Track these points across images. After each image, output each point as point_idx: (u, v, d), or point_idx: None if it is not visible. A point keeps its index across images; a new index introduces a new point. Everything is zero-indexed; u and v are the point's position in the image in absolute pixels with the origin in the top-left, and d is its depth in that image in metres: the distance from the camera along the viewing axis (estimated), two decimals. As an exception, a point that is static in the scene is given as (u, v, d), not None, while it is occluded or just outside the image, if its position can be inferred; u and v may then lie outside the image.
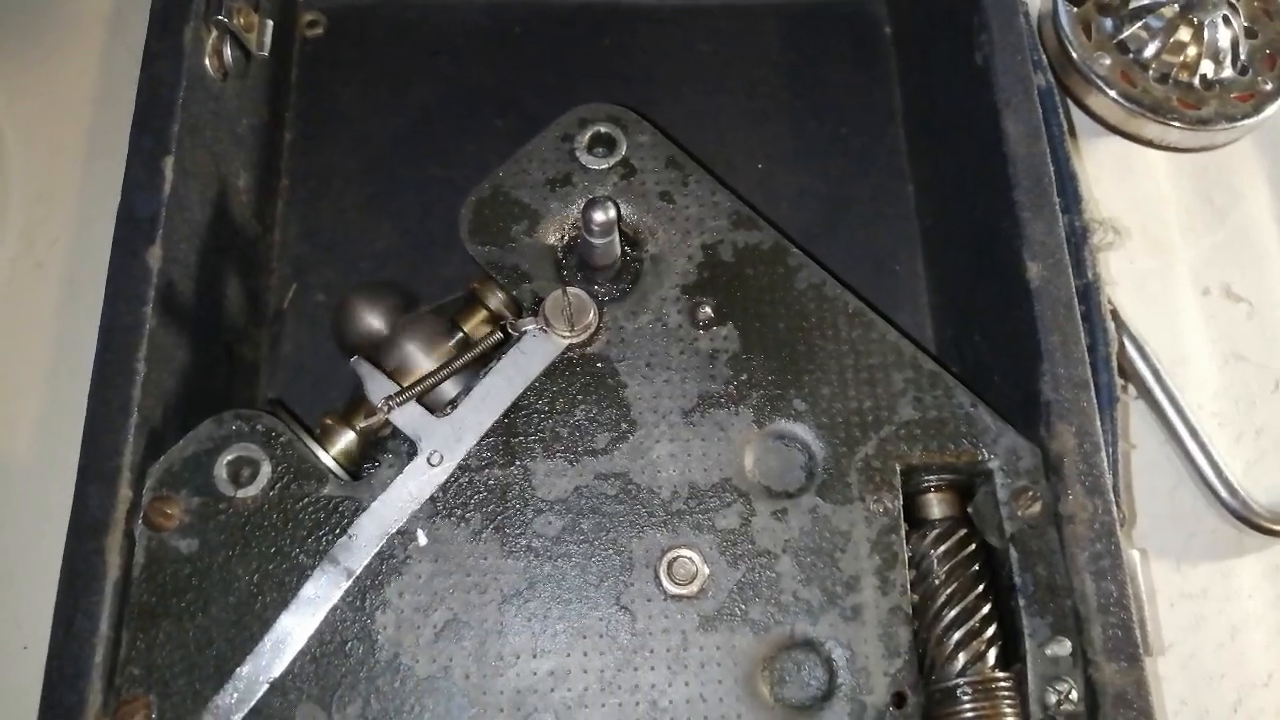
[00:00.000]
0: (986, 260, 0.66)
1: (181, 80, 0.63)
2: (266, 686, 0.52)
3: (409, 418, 0.57)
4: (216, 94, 0.67)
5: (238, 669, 0.52)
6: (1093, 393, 0.57)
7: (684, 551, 0.55)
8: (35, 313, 0.75)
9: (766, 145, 0.81)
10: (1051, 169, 0.62)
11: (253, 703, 0.52)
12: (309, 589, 0.54)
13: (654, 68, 0.83)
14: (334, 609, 0.54)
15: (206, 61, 0.66)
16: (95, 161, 0.78)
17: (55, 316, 0.75)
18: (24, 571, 0.68)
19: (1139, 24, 0.78)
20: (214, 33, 0.67)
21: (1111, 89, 0.77)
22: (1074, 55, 0.77)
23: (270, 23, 0.72)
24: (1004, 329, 0.63)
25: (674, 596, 0.54)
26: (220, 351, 0.67)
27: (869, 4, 0.85)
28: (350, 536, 0.55)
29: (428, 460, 0.56)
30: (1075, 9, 0.79)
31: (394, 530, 0.55)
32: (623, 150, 0.63)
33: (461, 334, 0.64)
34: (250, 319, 0.72)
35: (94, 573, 0.53)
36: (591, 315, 0.58)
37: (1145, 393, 0.72)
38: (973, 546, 0.57)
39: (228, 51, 0.68)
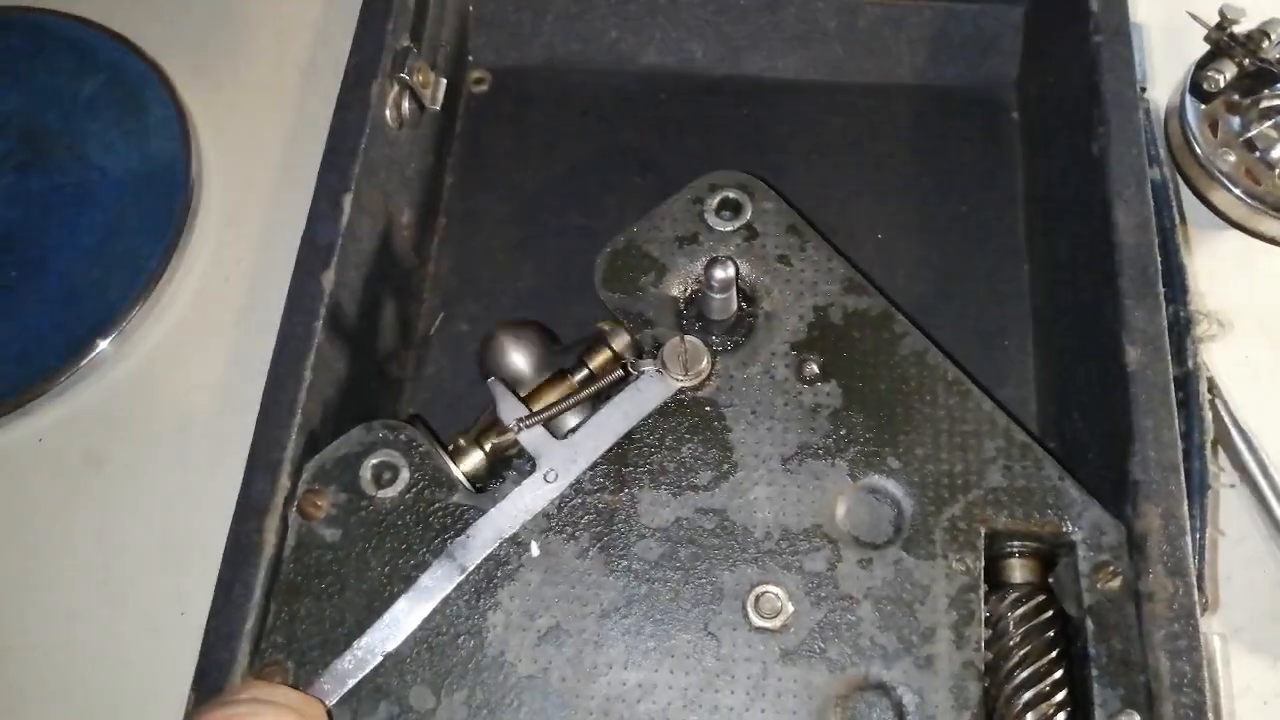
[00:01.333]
0: (1090, 343, 0.68)
1: (365, 128, 0.72)
2: (381, 659, 0.58)
3: (533, 438, 0.63)
4: (392, 141, 0.76)
5: (358, 641, 0.59)
6: (1182, 477, 0.59)
7: (771, 588, 0.59)
8: (218, 320, 0.85)
9: (889, 218, 0.85)
10: (1159, 259, 0.64)
11: (366, 671, 0.58)
12: (426, 579, 0.60)
13: (788, 139, 0.88)
14: (450, 602, 0.60)
15: (387, 113, 0.75)
16: (282, 194, 0.88)
17: (235, 325, 0.85)
18: (191, 547, 0.77)
19: (1269, 123, 0.79)
20: (396, 88, 0.76)
21: (1235, 185, 0.78)
22: (1198, 150, 0.79)
23: (444, 80, 0.81)
24: (1101, 410, 0.66)
25: (758, 628, 0.58)
26: (373, 367, 0.75)
27: (999, 91, 0.89)
28: (468, 536, 0.61)
29: (544, 477, 0.62)
30: (1204, 106, 0.81)
31: (507, 536, 0.61)
32: (748, 215, 0.69)
33: (587, 370, 0.70)
34: (401, 341, 0.80)
35: (253, 549, 0.61)
36: (705, 362, 0.64)
37: (1252, 485, 0.72)
38: (1050, 613, 0.59)
39: (405, 104, 0.77)
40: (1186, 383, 0.64)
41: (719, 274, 0.61)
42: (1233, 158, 0.79)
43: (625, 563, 0.60)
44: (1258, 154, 0.79)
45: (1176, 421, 0.60)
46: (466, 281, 0.85)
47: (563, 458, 0.63)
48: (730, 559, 0.60)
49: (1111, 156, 0.68)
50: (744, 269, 0.67)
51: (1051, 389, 0.75)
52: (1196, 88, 0.80)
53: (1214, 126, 0.80)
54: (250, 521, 0.61)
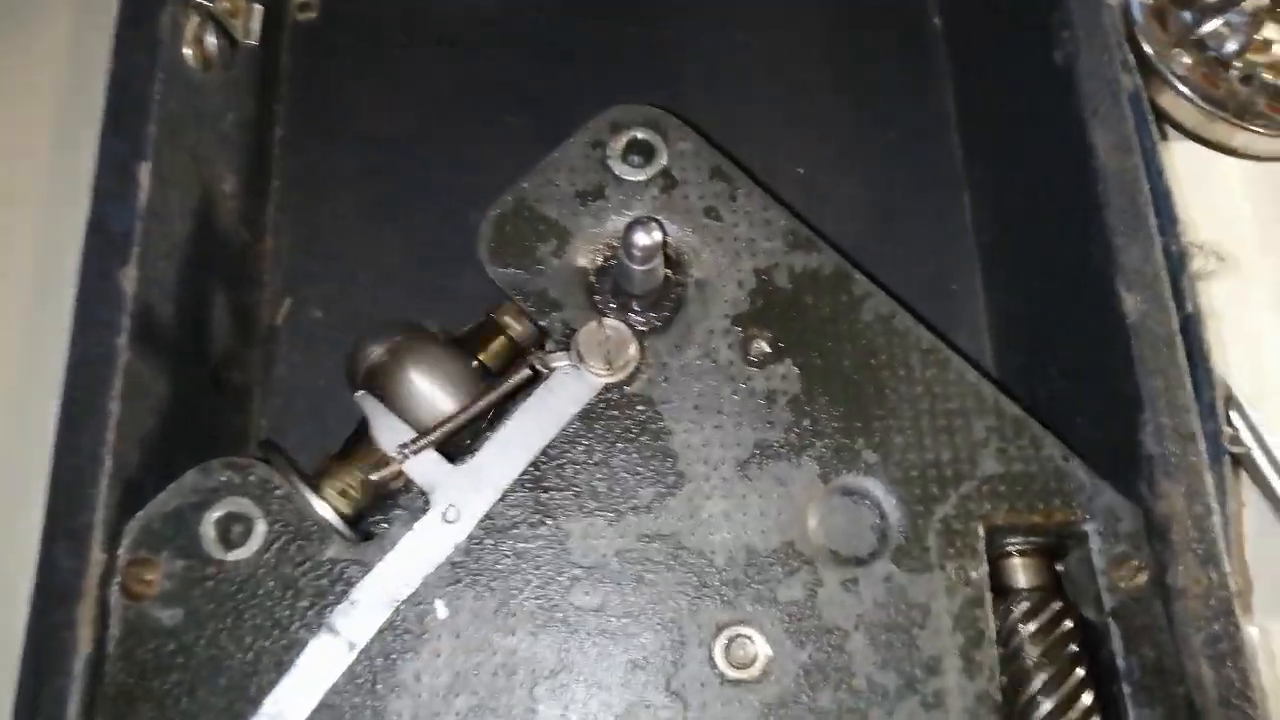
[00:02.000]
0: (1068, 287, 0.59)
1: (157, 73, 0.55)
2: (262, 788, 0.45)
3: (423, 467, 0.50)
4: (198, 87, 0.60)
5: (228, 771, 0.45)
6: (1202, 446, 0.51)
7: (742, 629, 0.48)
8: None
9: (807, 149, 0.73)
10: (1146, 186, 0.55)
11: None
12: (305, 663, 0.47)
13: (684, 62, 0.75)
14: (339, 691, 0.47)
15: (186, 51, 0.58)
16: (63, 161, 0.70)
17: (16, 347, 0.67)
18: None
19: (1220, 19, 0.71)
20: (194, 18, 0.59)
21: (1191, 90, 0.70)
22: (1148, 51, 0.70)
23: (259, 6, 0.64)
24: (1091, 367, 0.56)
25: (732, 681, 0.47)
26: (206, 379, 0.60)
27: (917, -7, 0.77)
28: (353, 602, 0.48)
29: (443, 516, 0.49)
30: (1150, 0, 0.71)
31: (404, 597, 0.48)
32: (663, 159, 0.56)
33: (478, 364, 0.57)
34: (239, 340, 0.65)
35: (62, 649, 0.46)
36: (632, 350, 0.51)
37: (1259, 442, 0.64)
38: (1068, 622, 0.50)
39: (210, 39, 0.60)
40: (1188, 330, 0.55)
41: (642, 240, 0.49)
42: (1187, 59, 0.70)
43: (559, 615, 0.48)
44: (1211, 52, 0.71)
45: (1188, 380, 0.52)
46: (314, 257, 0.69)
47: (463, 488, 0.50)
48: (689, 596, 0.49)
49: (1081, 67, 0.57)
50: (665, 227, 0.54)
51: (1015, 341, 0.66)
52: (1142, -21, 0.71)
53: (1163, 22, 0.71)
54: (54, 613, 0.46)
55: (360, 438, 0.55)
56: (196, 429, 0.58)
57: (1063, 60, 0.59)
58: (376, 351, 0.54)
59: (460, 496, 0.49)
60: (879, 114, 0.74)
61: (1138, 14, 0.71)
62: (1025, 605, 0.50)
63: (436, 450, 0.50)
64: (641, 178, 0.55)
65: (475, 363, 0.57)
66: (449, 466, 0.50)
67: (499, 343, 0.57)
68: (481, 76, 0.74)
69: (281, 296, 0.69)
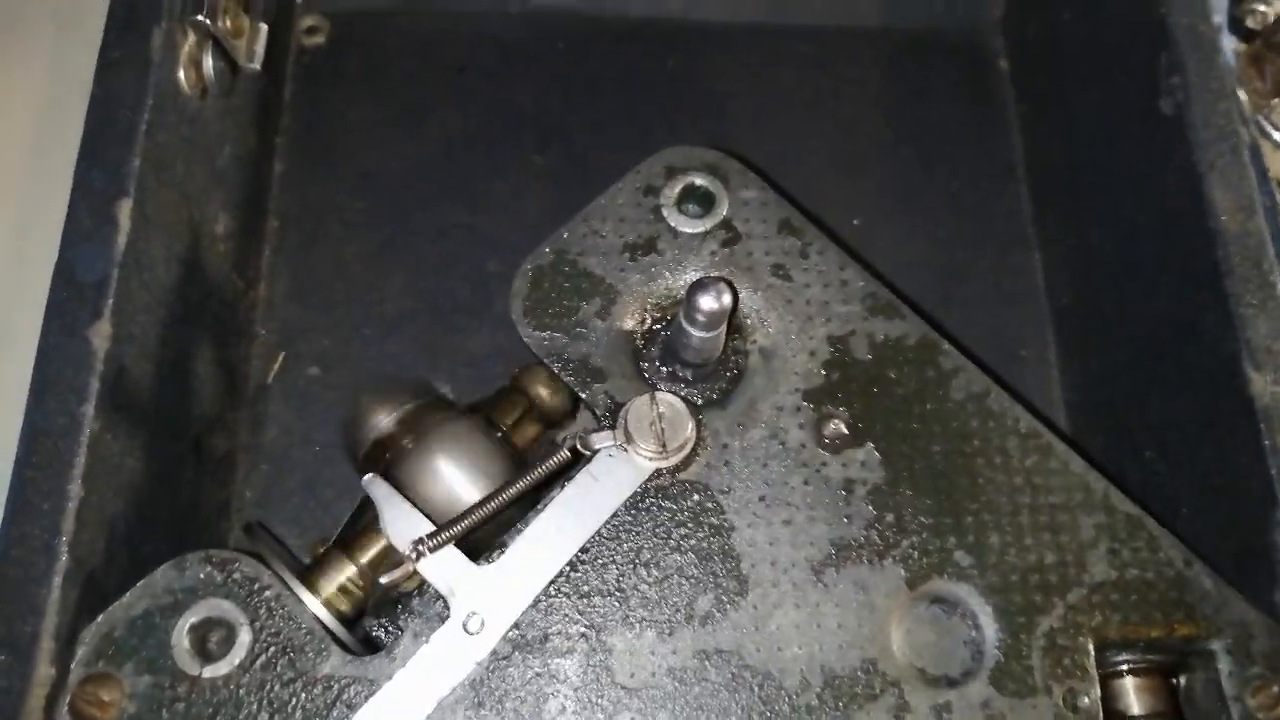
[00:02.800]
0: (1171, 361, 0.52)
1: (147, 98, 0.48)
2: None
3: (440, 567, 0.42)
4: (192, 117, 0.52)
5: None
6: (1349, 552, 0.43)
7: (820, 771, 0.40)
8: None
9: (863, 198, 0.67)
10: (1272, 251, 0.48)
11: None
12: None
13: (726, 99, 0.69)
14: (334, 842, 0.39)
15: (181, 74, 0.51)
16: (33, 196, 0.62)
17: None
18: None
19: (1318, 68, 0.65)
20: (192, 38, 0.52)
21: (1288, 145, 0.63)
22: (1243, 100, 0.64)
23: (264, 28, 0.57)
24: (1203, 453, 0.49)
25: (808, 836, 0.39)
26: (186, 448, 0.52)
27: (982, 34, 0.71)
28: None
29: (464, 626, 0.41)
30: (1244, 45, 0.65)
31: None
32: (724, 209, 0.49)
33: (502, 436, 0.50)
34: (226, 402, 0.57)
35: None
36: (689, 430, 0.44)
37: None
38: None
39: (208, 62, 0.53)
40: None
41: (710, 304, 0.41)
42: (1284, 111, 0.64)
43: (600, 749, 0.40)
44: (1308, 105, 0.65)
45: (1327, 473, 0.45)
46: (312, 307, 0.62)
47: (489, 593, 0.42)
48: (755, 728, 0.41)
49: (1194, 116, 0.51)
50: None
51: (1097, 417, 0.59)
52: (1235, 23, 0.65)
53: (1259, 70, 0.65)
54: (-14, 747, 0.38)
55: (364, 520, 0.47)
56: (173, 505, 0.50)
57: (1171, 109, 0.52)
58: (385, 422, 0.47)
59: (485, 603, 0.42)
60: (940, 162, 0.68)
61: (1230, 59, 0.65)
62: (1148, 742, 0.43)
63: (456, 546, 0.43)
64: (700, 229, 0.48)
65: (499, 436, 0.49)
66: (472, 566, 0.42)
67: (525, 415, 0.50)
68: (501, 109, 0.67)
69: (274, 351, 0.61)
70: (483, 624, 0.41)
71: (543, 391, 0.49)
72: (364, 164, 0.66)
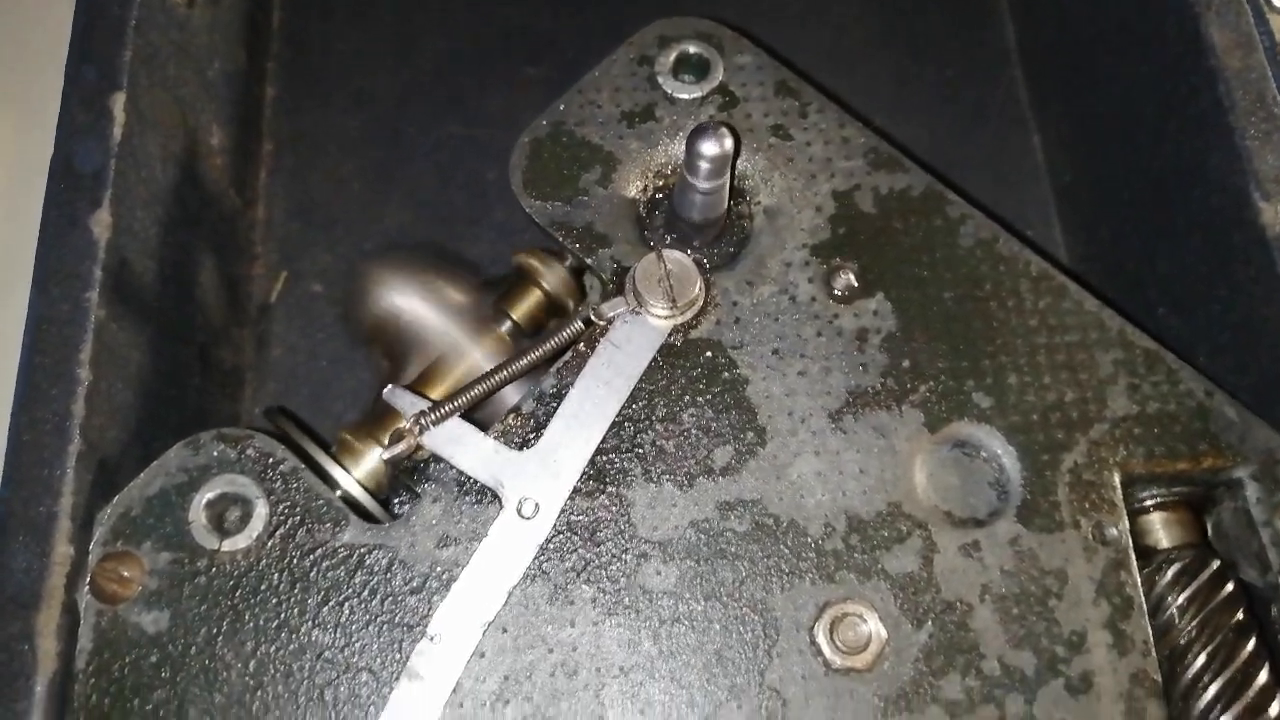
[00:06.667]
0: (1181, 210, 0.51)
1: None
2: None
3: (478, 457, 0.41)
4: (181, 22, 0.52)
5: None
6: (1373, 370, 0.43)
7: (850, 606, 0.39)
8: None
9: (859, 90, 0.66)
10: (1274, 84, 0.48)
11: None
12: (334, 678, 0.38)
13: (717, 3, 0.68)
14: (367, 709, 0.38)
15: (166, -22, 0.51)
16: (28, 90, 0.61)
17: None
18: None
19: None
20: (175, -57, 0.52)
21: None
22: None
23: (246, -60, 0.57)
24: (1217, 294, 0.49)
25: (840, 670, 0.39)
26: (192, 355, 0.52)
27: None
28: (431, 639, 0.39)
29: (518, 512, 0.40)
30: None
31: (490, 618, 0.39)
32: (719, 74, 0.48)
33: (510, 322, 0.49)
34: (230, 316, 0.57)
35: (19, 668, 0.37)
36: (697, 285, 0.43)
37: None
38: (1229, 586, 0.42)
39: (193, -30, 0.53)
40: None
41: (711, 149, 0.41)
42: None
43: (625, 600, 0.40)
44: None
45: (1345, 297, 0.44)
46: (312, 226, 0.62)
47: (536, 477, 0.41)
48: (781, 572, 0.40)
49: (1188, -43, 0.50)
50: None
51: (1105, 282, 0.58)
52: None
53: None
54: (10, 624, 0.38)
55: (377, 408, 0.47)
56: (181, 410, 0.50)
57: (1160, -44, 0.52)
58: (392, 299, 0.46)
59: (534, 487, 0.41)
60: (933, 53, 0.67)
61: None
62: (1175, 568, 0.42)
63: (472, 420, 0.42)
64: (697, 95, 0.48)
65: (508, 322, 0.49)
66: (514, 453, 0.41)
67: (531, 297, 0.49)
68: (490, 25, 0.67)
69: (276, 271, 0.61)
70: (536, 507, 0.41)
71: (539, 268, 0.49)
72: (356, 86, 0.66)
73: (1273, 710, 0.39)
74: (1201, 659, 0.40)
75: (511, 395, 0.46)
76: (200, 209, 0.53)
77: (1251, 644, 0.41)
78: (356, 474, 0.43)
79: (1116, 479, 0.42)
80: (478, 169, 0.63)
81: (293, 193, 0.62)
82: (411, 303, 0.47)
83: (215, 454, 0.41)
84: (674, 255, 0.43)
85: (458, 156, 0.63)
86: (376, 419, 0.46)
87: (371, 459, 0.45)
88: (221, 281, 0.56)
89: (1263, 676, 0.40)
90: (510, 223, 0.60)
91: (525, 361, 0.43)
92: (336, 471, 0.42)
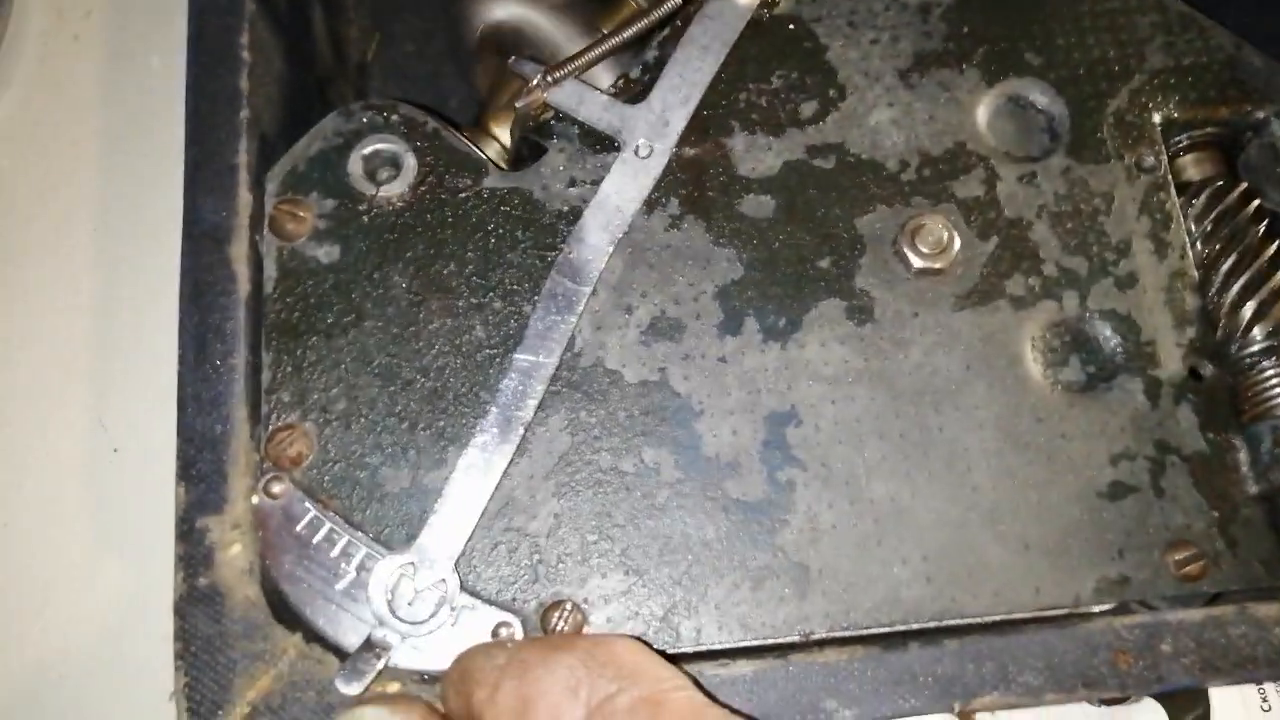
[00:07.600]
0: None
1: None
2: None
3: (598, 108, 0.47)
4: None
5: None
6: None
7: (926, 219, 0.46)
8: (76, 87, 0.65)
9: None
10: None
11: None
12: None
13: None
14: (514, 314, 0.45)
15: None
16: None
17: (95, 84, 0.64)
18: (108, 357, 0.59)
19: None
20: None
21: None
22: None
23: None
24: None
25: (920, 271, 0.45)
26: (313, 84, 0.57)
27: None
28: (579, 240, 0.45)
29: (635, 153, 0.46)
30: None
31: (620, 235, 0.45)
32: None
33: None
34: (336, 64, 0.62)
35: (222, 287, 0.44)
36: (778, -35, 0.49)
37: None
38: (1255, 204, 0.48)
39: None
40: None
41: None
42: None
43: (731, 225, 0.46)
44: None
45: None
46: (400, -11, 0.67)
47: (649, 125, 0.47)
48: (863, 200, 0.46)
49: None
50: None
51: None
52: None
53: None
54: (208, 254, 0.44)
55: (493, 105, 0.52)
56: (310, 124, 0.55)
57: None
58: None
59: (648, 133, 0.47)
60: None
61: None
62: (1207, 191, 0.48)
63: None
64: None
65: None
66: (626, 106, 0.47)
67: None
68: None
69: (370, 33, 0.66)
70: (651, 149, 0.47)
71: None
72: None
73: (1291, 298, 0.46)
74: (1231, 260, 0.46)
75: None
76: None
77: (1274, 248, 0.47)
78: (488, 139, 0.49)
79: (1156, 118, 0.48)
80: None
81: (379, -41, 0.67)
82: (522, 7, 0.53)
83: (365, 120, 0.47)
84: (757, -61, 0.49)
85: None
86: (492, 114, 0.52)
87: (491, 145, 0.51)
88: (329, 32, 0.61)
89: (1281, 273, 0.46)
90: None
91: (632, 31, 0.48)
92: (463, 140, 0.47)
